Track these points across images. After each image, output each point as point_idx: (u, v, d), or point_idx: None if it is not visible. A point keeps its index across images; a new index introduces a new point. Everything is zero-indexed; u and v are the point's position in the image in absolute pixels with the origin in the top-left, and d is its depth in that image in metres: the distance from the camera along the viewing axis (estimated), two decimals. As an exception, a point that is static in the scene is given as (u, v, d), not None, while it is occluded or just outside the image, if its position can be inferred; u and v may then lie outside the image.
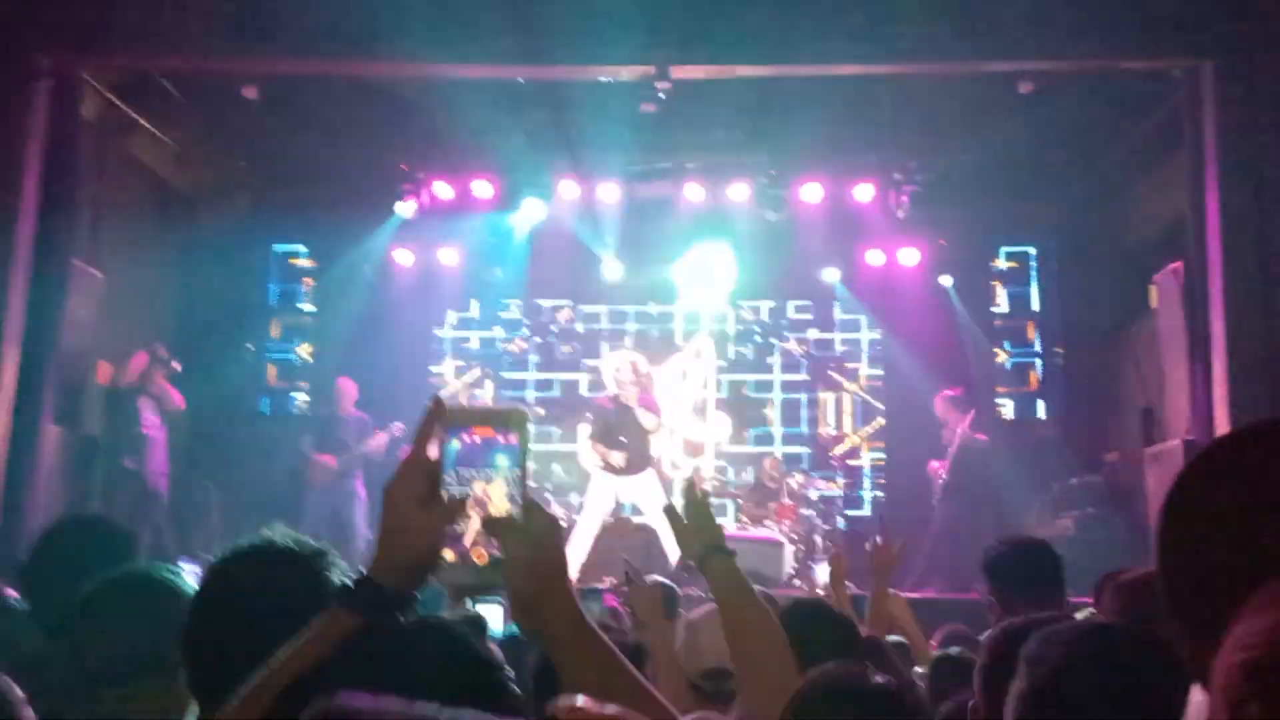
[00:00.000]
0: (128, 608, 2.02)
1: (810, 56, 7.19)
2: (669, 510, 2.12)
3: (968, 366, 10.27)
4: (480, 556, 1.10)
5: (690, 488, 2.16)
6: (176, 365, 8.43)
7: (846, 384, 11.08)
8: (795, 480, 9.71)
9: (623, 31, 7.01)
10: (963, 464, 8.85)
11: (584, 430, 9.32)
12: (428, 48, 6.97)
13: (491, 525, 1.11)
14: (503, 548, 1.10)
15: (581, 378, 11.14)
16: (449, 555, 1.10)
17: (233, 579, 1.69)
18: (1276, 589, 0.57)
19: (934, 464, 9.11)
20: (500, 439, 1.12)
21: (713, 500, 8.28)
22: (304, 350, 10.90)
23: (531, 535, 1.11)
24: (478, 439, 1.12)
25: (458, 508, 1.11)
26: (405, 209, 9.67)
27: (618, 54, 7.21)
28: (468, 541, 1.11)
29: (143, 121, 8.74)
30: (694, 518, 2.05)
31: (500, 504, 1.11)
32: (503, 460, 1.12)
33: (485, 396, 11.17)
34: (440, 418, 1.13)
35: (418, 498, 1.11)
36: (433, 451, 1.12)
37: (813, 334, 11.18)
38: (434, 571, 1.12)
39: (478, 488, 1.11)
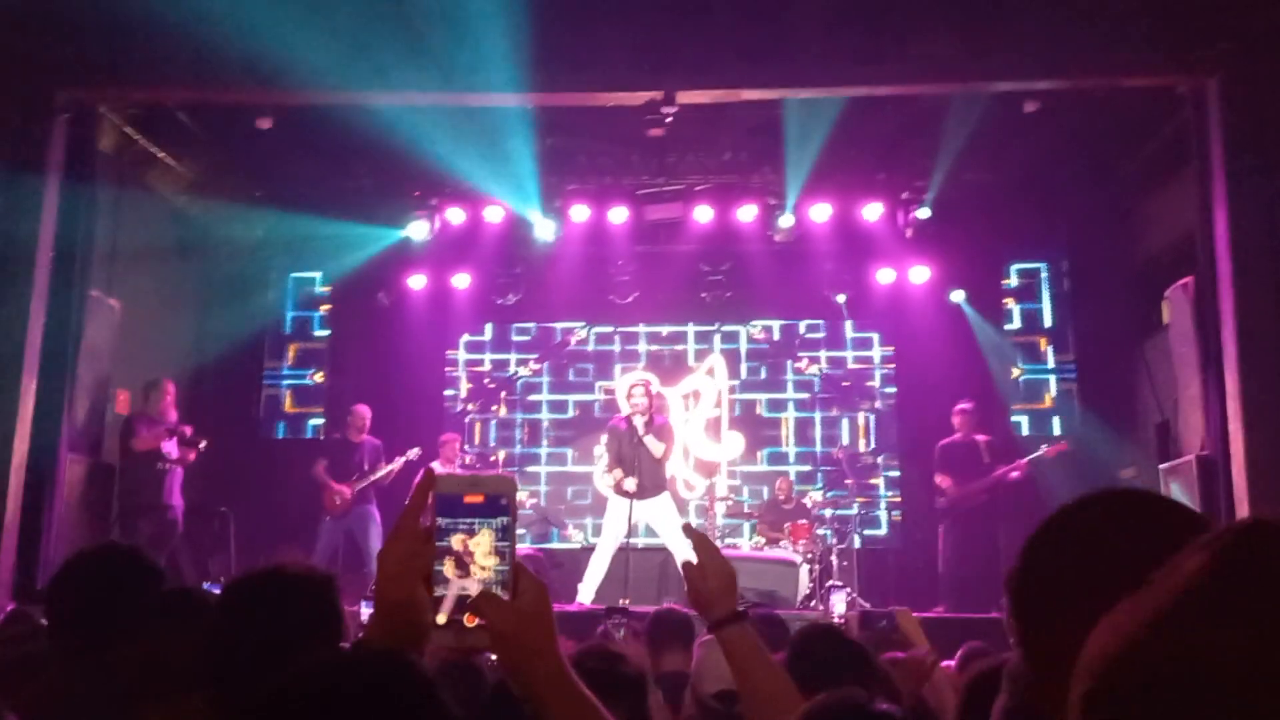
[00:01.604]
0: (174, 623, 2.04)
1: (815, 80, 7.23)
2: (689, 566, 2.06)
3: (982, 382, 10.24)
4: (471, 619, 1.11)
5: (699, 538, 2.08)
6: (202, 446, 8.39)
7: (860, 402, 11.06)
8: (809, 499, 9.69)
9: (629, 58, 7.08)
10: (1000, 488, 8.82)
11: (598, 453, 9.35)
12: (438, 78, 7.05)
13: (478, 604, 1.11)
14: (489, 624, 1.10)
15: (596, 399, 11.18)
16: (440, 618, 1.11)
17: (243, 606, 1.73)
18: (1112, 616, 0.62)
19: (943, 480, 9.03)
20: (489, 506, 1.13)
21: (727, 521, 8.17)
22: (319, 376, 10.98)
23: (518, 610, 1.11)
24: (467, 505, 1.14)
25: (432, 554, 1.11)
26: (416, 230, 9.75)
27: (625, 80, 7.27)
28: (451, 606, 1.11)
29: (159, 153, 8.86)
30: (713, 577, 1.99)
31: (484, 559, 1.12)
32: (489, 520, 1.13)
33: (500, 414, 11.21)
34: (430, 485, 1.14)
35: (410, 565, 1.11)
36: (425, 520, 1.13)
37: (825, 353, 11.19)
38: (425, 636, 1.12)
39: (457, 541, 1.12)
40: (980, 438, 9.06)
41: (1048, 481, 9.11)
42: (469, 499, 1.13)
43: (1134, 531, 0.91)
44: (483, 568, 1.12)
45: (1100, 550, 0.92)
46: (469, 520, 1.12)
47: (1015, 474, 8.78)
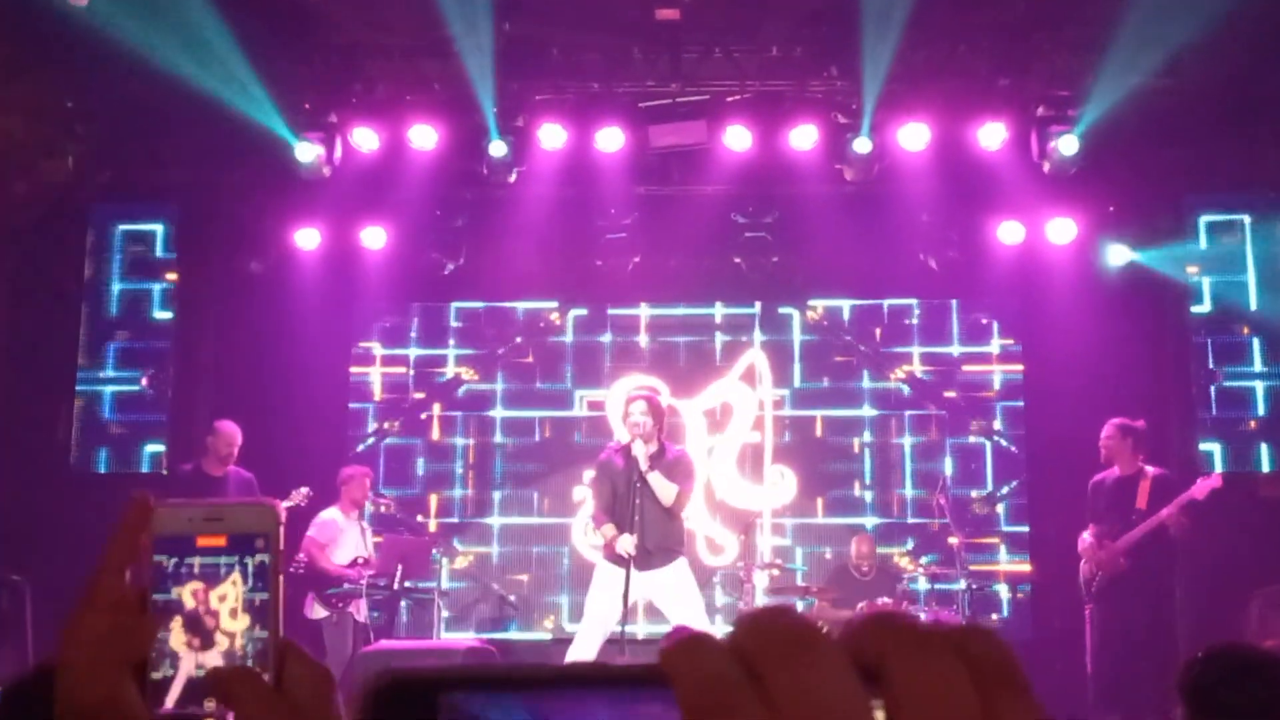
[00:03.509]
0: None
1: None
2: None
3: (1158, 390, 10.22)
4: (211, 714, 1.06)
5: None
6: None
7: (971, 422, 11.04)
8: (896, 567, 9.64)
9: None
10: (1156, 546, 8.80)
11: (581, 498, 9.29)
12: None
13: (219, 683, 1.04)
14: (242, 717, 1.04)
15: (577, 417, 11.18)
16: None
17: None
18: None
19: (1087, 538, 9.02)
20: (237, 551, 1.09)
21: (772, 600, 8.21)
22: (160, 379, 10.93)
23: (289, 705, 1.05)
24: (201, 549, 1.09)
25: (147, 630, 1.06)
26: (305, 153, 9.71)
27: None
28: (181, 694, 1.06)
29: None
30: None
31: (230, 622, 1.07)
32: (239, 558, 1.09)
33: (432, 437, 11.18)
34: (143, 523, 1.09)
35: (111, 648, 1.05)
36: (130, 573, 1.08)
37: (918, 348, 11.18)
38: None
39: (189, 593, 1.07)
40: (1151, 471, 9.03)
41: (1265, 542, 9.11)
42: (204, 541, 1.09)
43: None
44: (228, 634, 1.08)
45: None
46: (209, 562, 1.09)
47: (1172, 525, 8.75)
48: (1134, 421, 9.07)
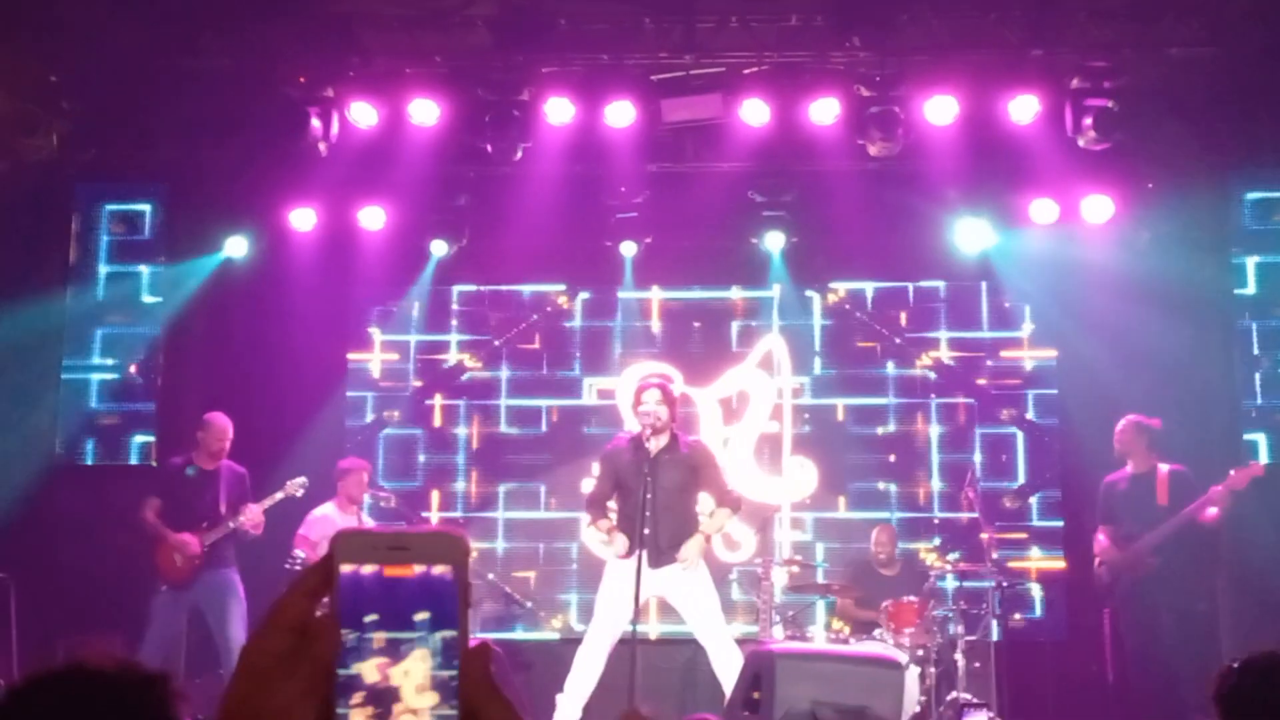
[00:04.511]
0: None
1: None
2: None
3: (1202, 381, 10.18)
4: None
5: None
6: None
7: (1001, 411, 11.00)
8: (922, 564, 9.58)
9: None
10: (1187, 542, 8.78)
11: (589, 492, 9.22)
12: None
13: None
14: None
15: (586, 405, 11.16)
16: None
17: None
18: None
19: (1103, 540, 9.05)
20: (422, 588, 1.10)
21: (790, 599, 8.22)
22: (150, 367, 10.93)
23: None
24: (386, 582, 1.10)
25: (333, 646, 1.08)
26: (303, 129, 9.67)
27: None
28: None
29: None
30: None
31: (416, 698, 1.08)
32: (424, 632, 1.10)
33: (434, 425, 11.17)
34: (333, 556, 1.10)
35: (292, 666, 1.07)
36: (318, 599, 1.09)
37: (945, 333, 11.13)
38: None
39: (371, 668, 1.08)
40: (1165, 468, 9.02)
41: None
42: (392, 571, 1.10)
43: None
44: (412, 711, 1.08)
45: None
46: (395, 635, 1.09)
47: (1211, 511, 8.72)
48: (1149, 420, 9.09)
